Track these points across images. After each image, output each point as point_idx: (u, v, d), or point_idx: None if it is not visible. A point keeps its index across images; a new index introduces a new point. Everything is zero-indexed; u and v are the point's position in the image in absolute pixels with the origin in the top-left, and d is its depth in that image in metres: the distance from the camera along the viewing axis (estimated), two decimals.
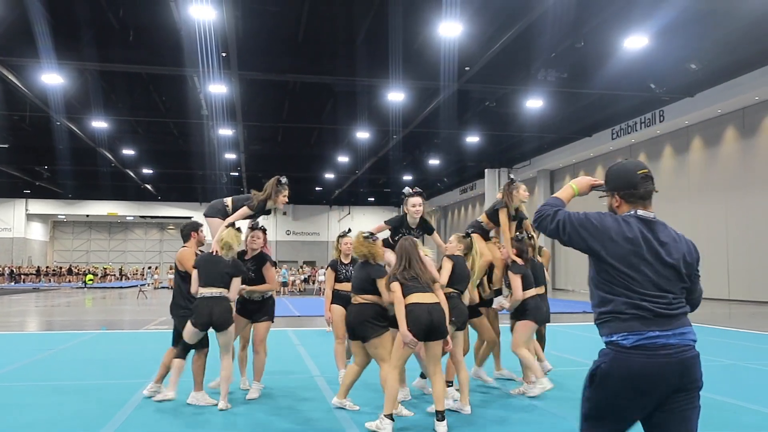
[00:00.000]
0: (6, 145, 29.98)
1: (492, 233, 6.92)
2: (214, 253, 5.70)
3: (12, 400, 6.05)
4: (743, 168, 22.17)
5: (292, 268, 37.12)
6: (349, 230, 6.75)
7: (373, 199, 52.91)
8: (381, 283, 5.15)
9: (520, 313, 6.30)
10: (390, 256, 5.61)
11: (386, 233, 6.08)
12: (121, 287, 39.41)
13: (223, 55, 16.98)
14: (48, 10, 15.50)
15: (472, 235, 6.39)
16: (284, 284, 30.40)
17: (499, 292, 6.62)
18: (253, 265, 6.15)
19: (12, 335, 12.40)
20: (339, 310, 6.37)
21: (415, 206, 5.93)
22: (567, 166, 32.80)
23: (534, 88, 19.95)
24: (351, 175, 38.38)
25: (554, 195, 2.70)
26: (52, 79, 19.03)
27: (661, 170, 26.56)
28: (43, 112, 23.10)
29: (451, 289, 5.55)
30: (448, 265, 5.63)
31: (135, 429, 5.01)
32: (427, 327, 4.81)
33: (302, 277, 36.27)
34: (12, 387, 6.77)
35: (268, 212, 6.42)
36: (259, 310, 6.22)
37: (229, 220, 6.04)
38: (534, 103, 21.96)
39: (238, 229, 5.81)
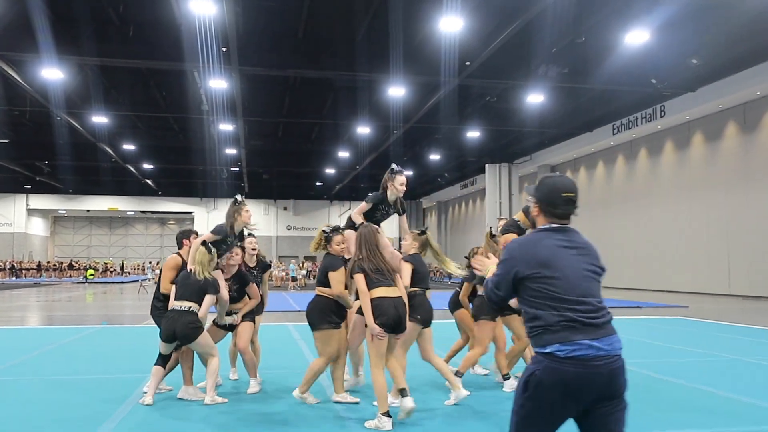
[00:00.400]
0: (6, 141, 29.97)
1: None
2: (191, 272, 5.67)
3: (13, 395, 6.06)
4: (744, 163, 22.16)
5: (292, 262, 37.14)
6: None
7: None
8: (332, 276, 5.29)
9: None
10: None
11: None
12: (121, 282, 39.46)
13: (224, 50, 16.96)
14: (48, 6, 15.48)
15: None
16: (294, 279, 30.86)
17: None
18: (235, 284, 6.16)
19: (13, 330, 12.41)
20: None
21: (402, 184, 5.94)
22: (568, 162, 32.79)
23: (535, 84, 19.91)
24: (351, 171, 38.36)
25: (490, 278, 2.73)
26: (52, 74, 19.02)
27: (662, 165, 26.55)
28: (43, 108, 23.10)
29: (416, 288, 5.60)
30: (407, 268, 5.57)
31: (136, 424, 5.02)
32: (395, 321, 4.89)
33: (303, 272, 36.31)
34: (13, 381, 6.78)
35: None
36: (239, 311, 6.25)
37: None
38: (535, 99, 21.93)
39: (209, 249, 5.69)
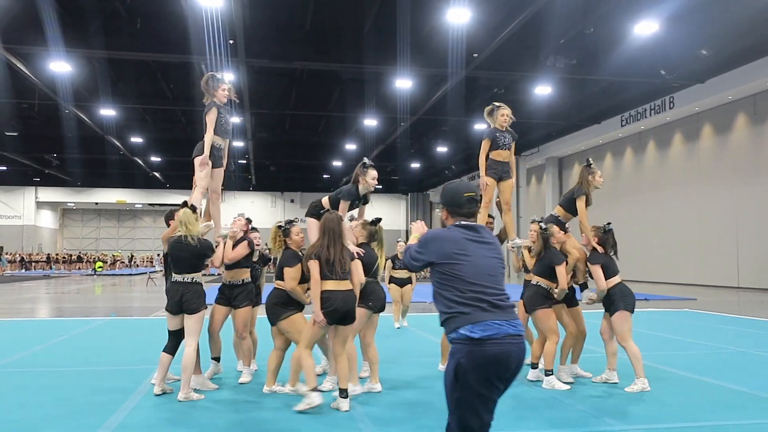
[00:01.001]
0: (15, 134, 30.08)
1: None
2: (182, 238, 5.56)
3: (23, 386, 6.11)
4: (754, 155, 22.01)
5: None
6: (405, 241, 7.02)
7: (380, 186, 52.72)
8: (287, 272, 5.45)
9: (608, 305, 6.04)
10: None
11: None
12: (130, 274, 39.66)
13: (231, 42, 16.95)
14: None
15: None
16: None
17: (585, 286, 6.48)
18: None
19: (23, 321, 12.51)
20: (395, 287, 7.52)
21: (374, 178, 6.12)
22: (575, 154, 32.64)
23: (543, 75, 19.81)
24: (358, 163, 38.32)
25: (412, 246, 2.99)
26: (60, 67, 19.08)
27: (670, 157, 26.40)
28: (51, 101, 23.18)
29: (372, 279, 5.80)
30: (357, 262, 5.55)
31: (146, 413, 5.06)
32: (342, 314, 5.07)
33: None
34: (23, 372, 6.84)
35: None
36: (238, 296, 6.25)
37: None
38: (543, 90, 21.82)
39: (193, 209, 5.64)
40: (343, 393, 5.10)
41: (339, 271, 5.07)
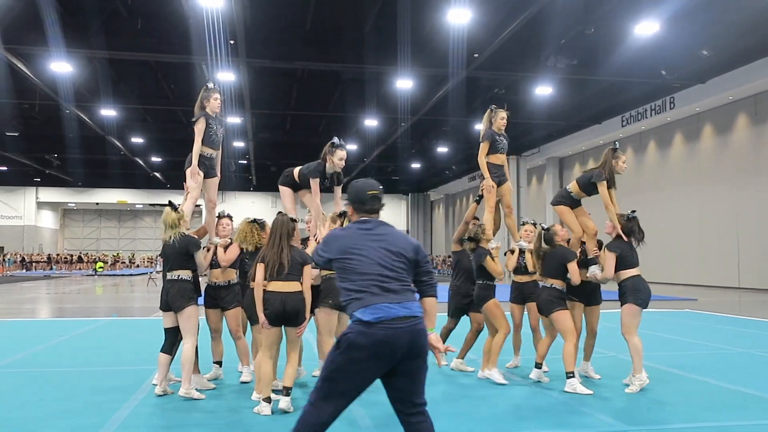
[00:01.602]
0: (16, 134, 30.12)
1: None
2: (168, 238, 5.61)
3: (24, 386, 6.12)
4: (754, 155, 22.00)
5: None
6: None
7: (381, 186, 52.77)
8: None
9: (620, 297, 5.95)
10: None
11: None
12: (131, 274, 39.68)
13: (231, 42, 16.96)
14: None
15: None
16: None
17: (593, 261, 6.26)
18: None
19: (24, 322, 12.52)
20: None
21: (342, 159, 6.31)
22: (576, 154, 32.64)
23: (543, 75, 19.81)
24: (359, 163, 38.32)
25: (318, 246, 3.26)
26: (61, 67, 19.09)
27: (671, 157, 26.40)
28: (52, 101, 23.19)
29: (329, 272, 5.60)
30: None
31: (147, 413, 5.06)
32: (280, 315, 5.04)
33: None
34: (24, 373, 6.84)
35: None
36: (225, 297, 6.19)
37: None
38: (543, 90, 21.82)
39: (175, 209, 5.65)
40: (287, 391, 5.07)
41: (285, 273, 5.04)
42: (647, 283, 5.96)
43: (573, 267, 6.01)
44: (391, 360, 2.84)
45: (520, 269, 6.67)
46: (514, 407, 5.30)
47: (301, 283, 5.17)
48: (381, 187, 3.27)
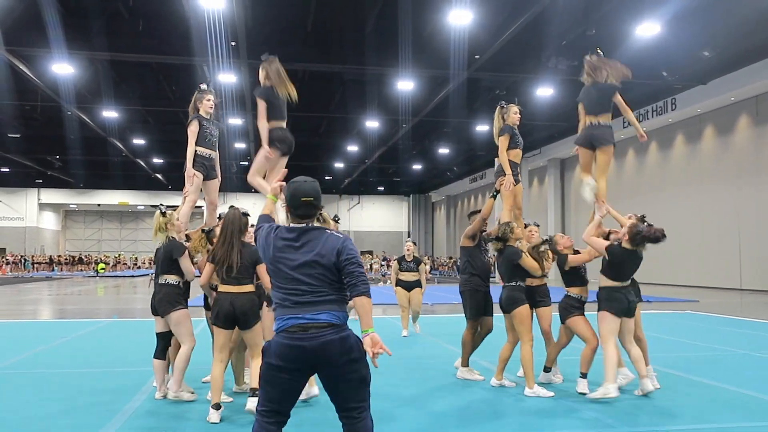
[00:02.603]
0: (18, 135, 30.17)
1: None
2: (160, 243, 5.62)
3: (26, 387, 6.12)
4: (756, 156, 21.97)
5: None
6: (414, 242, 7.18)
7: (382, 188, 52.90)
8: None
9: (598, 302, 5.73)
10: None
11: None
12: (132, 276, 39.69)
13: (233, 44, 16.98)
14: (58, 0, 15.53)
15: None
16: None
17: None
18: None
19: (26, 323, 12.53)
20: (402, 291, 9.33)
21: (210, 101, 6.29)
22: (577, 155, 32.56)
23: (544, 77, 19.81)
24: (360, 164, 38.36)
25: (262, 213, 3.33)
26: (62, 69, 19.12)
27: (672, 158, 26.37)
28: (54, 102, 23.22)
29: None
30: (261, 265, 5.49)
31: (147, 415, 5.06)
32: (230, 317, 4.96)
33: None
34: (26, 374, 6.84)
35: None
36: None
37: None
38: (544, 92, 21.82)
39: (164, 214, 5.60)
40: (253, 392, 5.03)
41: (233, 274, 4.94)
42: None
43: (525, 263, 5.98)
44: (302, 368, 2.94)
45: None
46: (513, 405, 5.29)
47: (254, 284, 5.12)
48: (318, 190, 3.14)
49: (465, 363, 6.53)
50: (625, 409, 5.26)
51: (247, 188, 51.62)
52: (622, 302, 5.60)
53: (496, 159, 6.87)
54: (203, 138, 6.18)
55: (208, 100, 6.26)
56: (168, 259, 5.51)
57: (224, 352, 5.08)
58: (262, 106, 5.82)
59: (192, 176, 6.01)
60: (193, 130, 6.12)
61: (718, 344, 9.07)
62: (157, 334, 5.68)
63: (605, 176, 6.34)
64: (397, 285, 9.97)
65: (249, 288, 5.03)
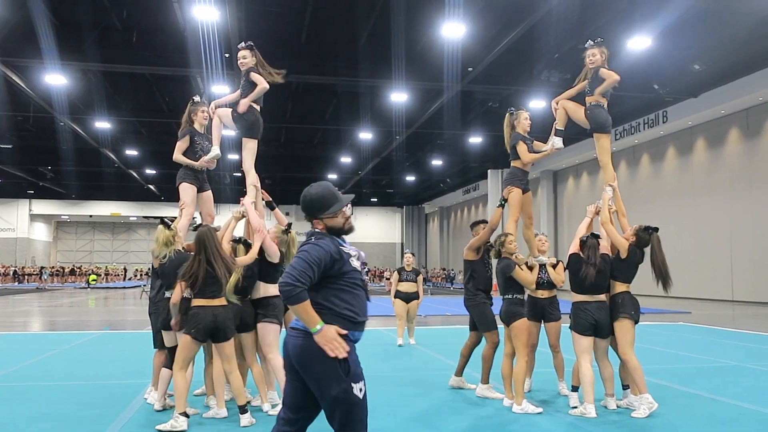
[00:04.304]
0: (10, 146, 30.06)
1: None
2: (165, 256, 5.55)
3: (17, 400, 6.06)
4: (747, 169, 22.13)
5: None
6: (413, 253, 7.33)
7: (376, 199, 52.93)
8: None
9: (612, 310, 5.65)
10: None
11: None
12: (124, 287, 39.46)
13: (226, 56, 17.01)
14: (51, 12, 15.54)
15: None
16: None
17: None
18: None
19: (16, 335, 12.42)
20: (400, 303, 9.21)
21: (204, 112, 6.30)
22: (570, 167, 32.77)
23: (537, 89, 19.93)
24: (354, 176, 38.39)
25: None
26: (55, 80, 19.10)
27: (664, 171, 26.52)
28: (46, 113, 23.16)
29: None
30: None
31: (139, 429, 5.01)
32: (210, 330, 5.00)
33: None
34: (16, 387, 6.78)
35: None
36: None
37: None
38: (537, 104, 21.92)
39: (168, 227, 5.59)
40: (241, 409, 5.06)
41: (216, 284, 4.99)
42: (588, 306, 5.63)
43: (518, 276, 5.89)
44: (293, 367, 2.98)
45: (542, 285, 6.24)
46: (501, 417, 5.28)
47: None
48: (304, 199, 3.12)
49: (485, 380, 6.29)
50: (608, 420, 5.25)
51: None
52: (584, 317, 5.53)
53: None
54: (193, 152, 6.14)
55: (203, 112, 6.27)
56: (176, 272, 5.47)
57: (190, 362, 5.15)
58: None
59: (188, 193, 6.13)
60: (180, 146, 6.11)
61: (710, 356, 9.09)
62: (169, 348, 5.58)
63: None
64: (395, 296, 10.16)
65: (224, 301, 5.11)
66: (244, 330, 5.59)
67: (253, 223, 5.77)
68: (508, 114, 6.66)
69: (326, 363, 2.85)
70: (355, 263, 3.06)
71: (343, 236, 3.14)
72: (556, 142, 6.42)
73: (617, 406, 5.66)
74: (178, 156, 6.09)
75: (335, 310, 2.96)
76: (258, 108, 6.29)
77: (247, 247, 5.76)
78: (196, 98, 6.34)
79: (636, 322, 5.64)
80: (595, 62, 6.13)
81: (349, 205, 3.12)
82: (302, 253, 2.93)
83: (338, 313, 2.97)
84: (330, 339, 2.83)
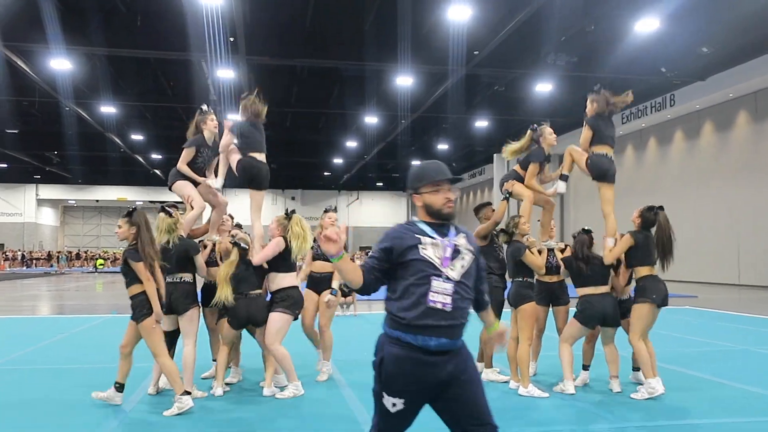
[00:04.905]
0: (16, 131, 30.12)
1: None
2: (167, 243, 5.56)
3: (24, 384, 6.12)
4: (755, 152, 21.98)
5: None
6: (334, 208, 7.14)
7: (381, 184, 52.88)
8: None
9: (637, 294, 5.71)
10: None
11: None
12: None
13: (231, 39, 16.94)
14: None
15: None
16: None
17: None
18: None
19: (24, 319, 12.53)
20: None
21: (213, 120, 6.18)
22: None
23: (543, 72, 19.80)
24: (359, 160, 38.34)
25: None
26: (60, 64, 19.08)
27: (671, 155, 26.38)
28: (52, 98, 23.17)
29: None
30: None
31: (147, 412, 5.06)
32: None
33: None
34: (24, 370, 6.85)
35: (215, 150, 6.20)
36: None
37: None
38: (543, 88, 21.80)
39: (170, 214, 5.59)
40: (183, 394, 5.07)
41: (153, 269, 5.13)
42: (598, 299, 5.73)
43: (528, 259, 5.91)
44: None
45: (551, 269, 6.24)
46: (516, 403, 5.31)
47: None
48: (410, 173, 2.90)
49: (489, 364, 6.31)
50: (618, 403, 5.27)
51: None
52: (593, 310, 5.65)
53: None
54: (193, 163, 6.03)
55: (212, 121, 6.12)
56: (183, 257, 5.56)
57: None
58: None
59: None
60: (185, 156, 6.01)
61: (716, 339, 9.09)
62: (166, 333, 5.63)
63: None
64: None
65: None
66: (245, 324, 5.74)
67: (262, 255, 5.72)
68: (530, 130, 6.68)
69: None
70: (429, 252, 2.64)
71: (443, 221, 2.77)
72: (560, 186, 6.45)
73: (621, 390, 5.70)
74: (183, 166, 6.00)
75: (388, 303, 2.69)
76: (257, 157, 5.99)
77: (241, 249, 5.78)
78: (204, 107, 6.22)
79: (659, 306, 5.66)
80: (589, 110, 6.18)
81: (453, 189, 2.76)
82: (378, 244, 2.75)
83: (387, 308, 2.70)
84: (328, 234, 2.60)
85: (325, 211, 6.54)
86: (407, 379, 2.55)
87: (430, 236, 2.68)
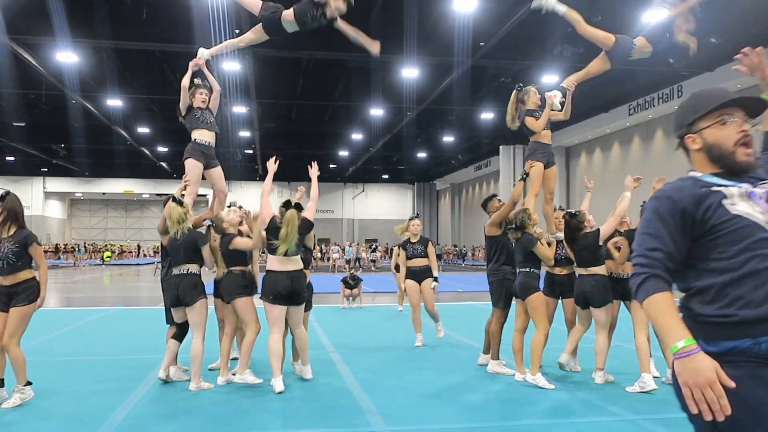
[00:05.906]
0: (23, 124, 30.21)
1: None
2: (175, 233, 5.58)
3: (32, 375, 6.15)
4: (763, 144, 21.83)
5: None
6: (418, 214, 8.26)
7: (387, 176, 52.86)
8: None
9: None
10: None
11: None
12: (137, 264, 39.85)
13: (237, 32, 16.90)
14: None
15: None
16: (348, 261, 30.64)
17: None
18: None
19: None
20: (412, 284, 7.64)
21: (202, 95, 6.60)
22: (582, 143, 32.50)
23: (550, 64, 19.70)
24: (365, 153, 38.30)
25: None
26: (67, 57, 19.10)
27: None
28: (58, 91, 23.22)
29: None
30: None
31: (155, 402, 5.09)
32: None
33: (317, 254, 36.47)
34: (32, 362, 6.88)
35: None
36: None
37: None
38: (550, 79, 21.65)
39: (181, 204, 5.63)
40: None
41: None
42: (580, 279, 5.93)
43: (539, 251, 5.89)
44: None
45: (560, 261, 6.21)
46: (510, 395, 5.32)
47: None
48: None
49: (495, 356, 6.30)
50: (620, 396, 5.27)
51: (252, 177, 51.31)
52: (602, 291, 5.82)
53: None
54: (198, 120, 6.19)
55: (201, 94, 6.41)
56: (191, 248, 5.56)
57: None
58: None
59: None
60: (184, 84, 6.49)
61: None
62: (179, 324, 5.69)
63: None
64: (406, 277, 7.79)
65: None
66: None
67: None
68: (515, 90, 6.66)
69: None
70: (745, 207, 1.81)
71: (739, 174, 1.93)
72: (555, 92, 6.42)
73: (607, 381, 5.77)
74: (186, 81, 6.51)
75: (693, 304, 1.86)
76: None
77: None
78: (197, 80, 6.39)
79: None
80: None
81: (747, 121, 1.94)
82: (642, 222, 1.93)
83: (697, 313, 1.84)
84: (699, 382, 1.73)
85: (412, 219, 7.88)
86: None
87: (739, 185, 1.89)
